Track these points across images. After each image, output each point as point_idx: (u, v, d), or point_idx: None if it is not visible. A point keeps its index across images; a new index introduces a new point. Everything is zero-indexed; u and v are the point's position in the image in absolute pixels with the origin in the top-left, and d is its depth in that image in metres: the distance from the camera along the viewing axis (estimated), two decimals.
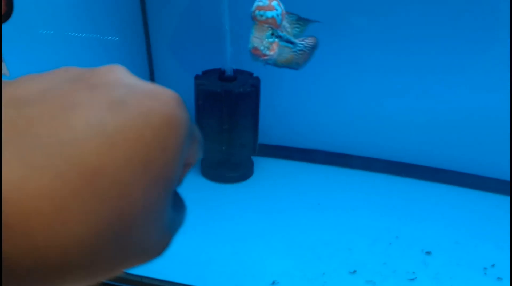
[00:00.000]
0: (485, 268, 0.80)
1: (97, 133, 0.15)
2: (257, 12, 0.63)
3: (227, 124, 0.92)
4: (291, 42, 0.68)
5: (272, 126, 1.03)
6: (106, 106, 0.16)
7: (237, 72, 0.96)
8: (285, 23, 0.67)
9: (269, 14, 0.62)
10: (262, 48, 0.64)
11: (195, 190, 0.99)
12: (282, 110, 1.06)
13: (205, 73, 0.97)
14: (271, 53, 0.66)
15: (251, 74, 0.97)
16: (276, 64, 0.70)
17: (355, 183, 1.02)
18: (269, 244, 0.84)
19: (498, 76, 0.89)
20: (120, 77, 0.18)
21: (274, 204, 0.95)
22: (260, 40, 0.64)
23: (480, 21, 0.85)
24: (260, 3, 0.62)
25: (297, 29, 0.70)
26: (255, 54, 0.65)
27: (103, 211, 0.15)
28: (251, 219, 0.91)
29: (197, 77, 0.94)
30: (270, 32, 0.64)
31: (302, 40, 0.71)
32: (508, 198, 0.96)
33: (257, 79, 0.94)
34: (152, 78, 1.08)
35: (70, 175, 0.14)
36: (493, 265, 0.81)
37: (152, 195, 0.16)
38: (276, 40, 0.66)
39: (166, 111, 0.17)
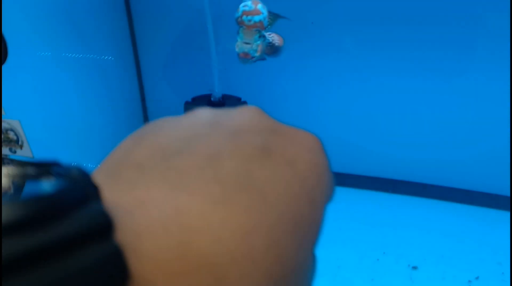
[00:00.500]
0: (469, 281, 0.83)
1: (247, 186, 0.14)
2: (244, 17, 0.63)
3: None
4: (264, 36, 0.70)
5: None
6: (250, 155, 0.15)
7: (226, 97, 0.99)
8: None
9: (257, 18, 0.63)
10: (251, 51, 0.67)
11: None
12: None
13: (195, 99, 1.01)
14: (258, 54, 0.68)
15: (239, 99, 1.00)
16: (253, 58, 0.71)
17: (342, 200, 1.04)
18: None
19: (492, 87, 0.91)
20: (258, 120, 0.17)
21: None
22: (250, 45, 0.66)
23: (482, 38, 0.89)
24: (247, 8, 0.63)
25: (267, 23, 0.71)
26: (245, 58, 0.68)
27: (256, 275, 0.13)
28: None
29: (186, 104, 0.98)
30: (258, 35, 0.65)
31: (270, 35, 0.73)
32: (491, 210, 0.99)
33: (245, 104, 0.98)
34: (144, 105, 1.12)
35: (225, 235, 0.13)
36: (477, 278, 0.83)
37: (303, 253, 0.15)
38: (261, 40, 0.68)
39: (311, 159, 0.16)
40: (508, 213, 0.98)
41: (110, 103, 0.96)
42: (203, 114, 0.18)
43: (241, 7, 0.63)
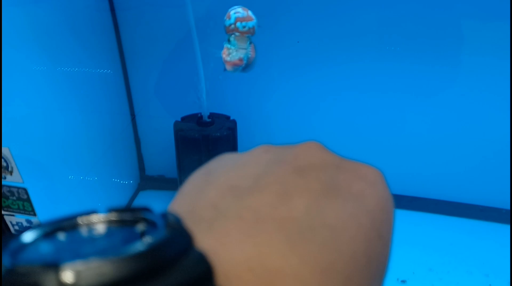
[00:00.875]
0: None
1: (320, 224, 0.14)
2: (238, 23, 0.64)
3: None
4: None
5: None
6: (319, 192, 0.15)
7: (215, 116, 1.01)
8: None
9: (251, 24, 0.64)
10: (245, 57, 0.67)
11: None
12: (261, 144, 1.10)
13: (184, 118, 1.02)
14: (251, 59, 0.69)
15: (228, 117, 1.02)
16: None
17: None
18: None
19: (490, 97, 0.93)
20: (321, 156, 0.18)
21: None
22: (245, 50, 0.66)
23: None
24: (240, 15, 0.64)
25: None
26: (239, 65, 0.68)
27: None
28: None
29: (176, 124, 0.99)
30: (249, 41, 0.66)
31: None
32: (478, 222, 1.01)
33: (234, 122, 0.99)
34: (134, 123, 1.13)
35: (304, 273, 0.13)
36: None
37: None
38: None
39: (377, 194, 0.16)
40: (496, 225, 0.99)
41: (101, 124, 0.97)
42: (267, 151, 0.19)
43: (233, 14, 0.63)
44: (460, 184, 1.04)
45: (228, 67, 0.70)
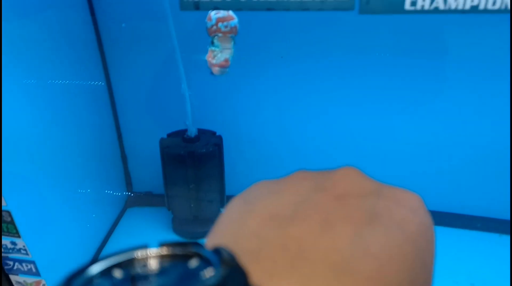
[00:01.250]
0: None
1: (364, 253, 0.14)
2: (220, 24, 0.62)
3: (193, 183, 0.97)
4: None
5: (239, 178, 1.08)
6: (361, 220, 0.15)
7: (200, 132, 1.01)
8: None
9: (232, 23, 0.62)
10: (231, 57, 0.66)
11: None
12: (245, 162, 1.11)
13: (170, 135, 1.02)
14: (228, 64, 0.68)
15: (214, 133, 1.02)
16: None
17: None
18: None
19: (490, 106, 0.94)
20: (360, 183, 0.18)
21: None
22: (230, 50, 0.65)
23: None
24: (220, 15, 0.62)
25: None
26: (225, 66, 0.67)
27: None
28: None
29: (162, 140, 0.99)
30: (233, 40, 0.65)
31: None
32: (465, 231, 1.02)
33: (220, 138, 1.00)
34: (120, 140, 1.13)
35: None
36: None
37: None
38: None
39: (419, 220, 0.16)
40: (481, 234, 1.01)
41: (86, 142, 0.97)
42: (304, 178, 0.19)
43: (213, 15, 0.62)
44: (444, 194, 1.05)
45: (215, 71, 0.69)
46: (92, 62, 0.99)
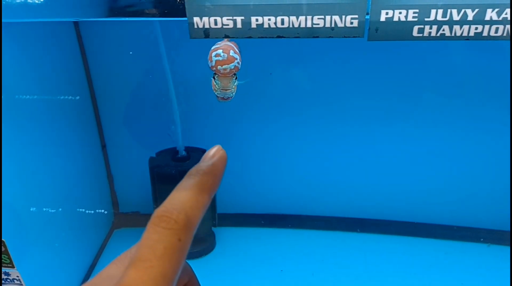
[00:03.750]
0: None
1: None
2: (219, 67, 0.61)
3: None
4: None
5: (229, 196, 1.07)
6: None
7: (190, 150, 1.00)
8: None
9: (232, 65, 0.61)
10: (231, 94, 0.66)
11: None
12: (237, 179, 1.10)
13: (159, 154, 1.01)
14: (234, 92, 0.67)
15: (203, 151, 1.01)
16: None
17: (314, 244, 1.06)
18: None
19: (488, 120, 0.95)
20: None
21: (238, 276, 0.97)
22: (230, 89, 0.65)
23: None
24: (220, 58, 0.61)
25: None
26: (227, 100, 0.67)
27: None
28: None
29: (151, 159, 0.98)
30: (234, 78, 0.64)
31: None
32: (463, 244, 1.04)
33: None
34: (106, 160, 1.10)
35: None
36: None
37: None
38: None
39: None
40: (473, 244, 1.02)
41: (71, 163, 0.94)
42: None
43: (214, 56, 0.61)
44: (438, 207, 1.06)
45: (218, 99, 0.69)
46: (76, 79, 0.96)
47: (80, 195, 0.98)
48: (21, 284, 0.71)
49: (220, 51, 0.59)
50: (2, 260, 0.67)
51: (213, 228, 1.07)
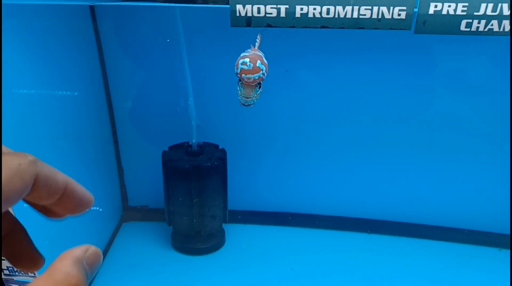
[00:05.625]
0: None
1: None
2: (243, 75, 0.62)
3: (197, 197, 0.94)
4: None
5: (240, 193, 1.06)
6: None
7: (203, 145, 0.99)
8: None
9: (256, 76, 0.62)
10: (252, 102, 0.66)
11: (167, 264, 0.98)
12: (249, 176, 1.09)
13: (172, 148, 0.99)
14: (257, 98, 0.67)
15: (216, 146, 1.00)
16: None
17: (325, 243, 1.05)
18: None
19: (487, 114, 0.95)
20: None
21: (247, 273, 0.96)
22: (251, 98, 0.65)
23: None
24: (246, 67, 0.62)
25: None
26: (247, 106, 0.67)
27: None
28: None
29: (164, 154, 0.96)
30: (258, 86, 0.65)
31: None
32: (470, 246, 1.04)
33: (223, 151, 0.98)
34: (117, 152, 1.09)
35: None
36: None
37: None
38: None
39: None
40: (485, 248, 1.02)
41: (81, 154, 0.93)
42: None
43: (240, 64, 0.61)
44: (451, 210, 1.06)
45: (241, 104, 0.68)
46: (91, 71, 0.95)
47: (89, 188, 0.96)
48: (34, 275, 0.70)
49: (247, 59, 0.60)
50: None
51: (223, 225, 1.05)
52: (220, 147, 1.00)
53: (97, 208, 1.01)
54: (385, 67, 0.92)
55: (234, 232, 1.08)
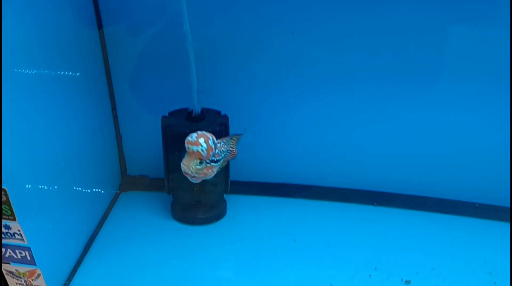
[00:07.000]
0: None
1: None
2: (186, 145, 0.76)
3: None
4: (218, 161, 0.83)
5: (243, 163, 1.02)
6: None
7: (205, 111, 0.94)
8: (220, 148, 0.83)
9: (195, 148, 0.75)
10: (189, 172, 0.78)
11: (167, 234, 0.95)
12: (251, 146, 1.05)
13: (172, 113, 0.95)
14: (201, 176, 0.80)
15: (219, 112, 0.96)
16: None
17: (329, 215, 1.02)
18: None
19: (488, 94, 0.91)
20: None
21: (249, 244, 0.93)
22: (187, 166, 0.77)
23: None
24: (190, 139, 0.76)
25: (230, 149, 0.87)
26: (186, 176, 0.79)
27: None
28: (227, 262, 0.88)
29: (164, 118, 0.92)
30: (198, 161, 0.77)
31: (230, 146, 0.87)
32: (481, 221, 1.00)
33: (226, 117, 0.93)
34: (116, 118, 1.05)
35: None
36: None
37: None
38: (210, 164, 0.80)
39: None
40: (497, 223, 0.98)
41: (77, 121, 0.88)
42: None
43: (188, 137, 0.77)
44: (460, 183, 1.02)
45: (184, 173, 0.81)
46: (88, 35, 0.90)
47: (87, 155, 0.93)
48: (22, 239, 0.67)
49: (194, 134, 0.77)
50: (3, 211, 0.62)
51: (225, 196, 1.02)
52: (222, 114, 0.96)
53: (95, 176, 0.97)
54: None
55: (236, 203, 1.04)
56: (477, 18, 0.84)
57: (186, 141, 0.76)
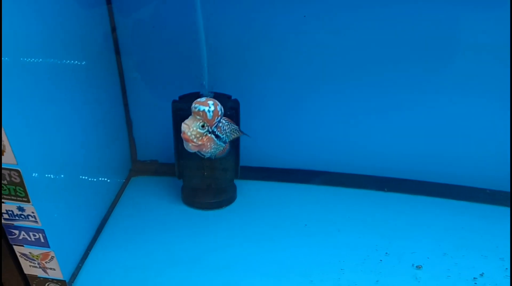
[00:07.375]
0: (474, 278, 0.81)
1: None
2: (193, 104, 0.74)
3: None
4: (219, 137, 0.79)
5: (253, 148, 1.02)
6: None
7: (215, 95, 0.94)
8: (224, 126, 0.80)
9: (201, 108, 0.73)
10: (189, 134, 0.74)
11: (177, 218, 0.96)
12: (262, 131, 1.05)
13: (182, 97, 0.95)
14: (199, 142, 0.75)
15: (229, 97, 0.95)
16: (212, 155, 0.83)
17: (340, 201, 1.01)
18: (258, 271, 0.83)
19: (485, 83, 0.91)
20: None
21: (260, 228, 0.93)
22: (188, 127, 0.74)
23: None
24: (199, 99, 0.75)
25: (231, 136, 0.83)
26: (184, 138, 0.75)
27: None
28: (238, 246, 0.89)
29: (174, 102, 0.92)
30: (201, 124, 0.73)
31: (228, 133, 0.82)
32: (490, 206, 1.00)
33: (236, 102, 0.93)
34: (126, 103, 1.05)
35: None
36: (482, 274, 0.82)
37: None
38: (209, 135, 0.76)
39: None
40: (508, 209, 0.98)
41: (88, 105, 0.88)
42: None
43: (196, 99, 0.75)
44: (472, 169, 1.01)
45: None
46: (99, 20, 0.89)
47: (98, 141, 0.93)
48: (36, 221, 0.67)
49: (204, 97, 0.76)
50: (17, 193, 0.62)
51: (235, 181, 1.02)
52: (233, 98, 0.95)
53: (105, 161, 0.97)
54: None
55: (247, 188, 1.04)
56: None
57: (194, 102, 0.74)
